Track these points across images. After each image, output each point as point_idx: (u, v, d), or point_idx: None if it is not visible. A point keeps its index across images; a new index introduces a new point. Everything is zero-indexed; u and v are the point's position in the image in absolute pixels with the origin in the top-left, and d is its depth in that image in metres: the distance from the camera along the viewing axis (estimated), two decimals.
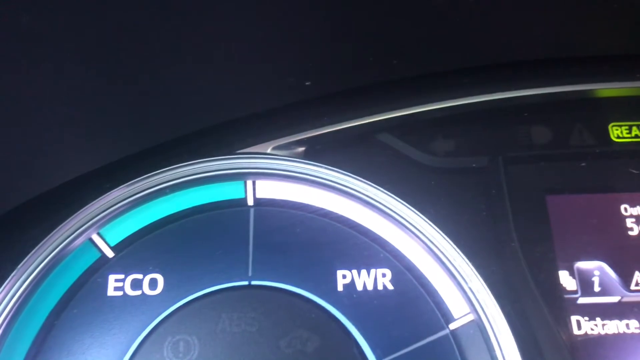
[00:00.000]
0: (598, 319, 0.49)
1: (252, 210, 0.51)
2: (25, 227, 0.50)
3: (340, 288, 0.48)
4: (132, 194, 0.50)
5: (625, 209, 0.53)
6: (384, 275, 0.48)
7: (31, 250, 0.48)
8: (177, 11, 0.45)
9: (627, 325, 0.49)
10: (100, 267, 0.48)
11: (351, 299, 0.47)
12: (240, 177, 0.52)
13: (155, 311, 0.47)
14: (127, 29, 0.45)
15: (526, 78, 0.56)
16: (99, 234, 0.49)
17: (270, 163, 0.52)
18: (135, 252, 0.49)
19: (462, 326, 0.47)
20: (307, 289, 0.48)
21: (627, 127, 0.56)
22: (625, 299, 0.50)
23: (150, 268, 0.48)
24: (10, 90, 0.45)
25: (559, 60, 0.57)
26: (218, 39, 0.48)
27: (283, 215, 0.50)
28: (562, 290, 0.50)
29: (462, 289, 0.47)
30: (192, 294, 0.47)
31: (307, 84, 0.53)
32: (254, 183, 0.52)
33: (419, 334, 0.46)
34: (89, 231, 0.49)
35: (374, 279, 0.48)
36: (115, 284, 0.48)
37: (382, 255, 0.49)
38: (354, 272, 0.48)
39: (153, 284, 0.48)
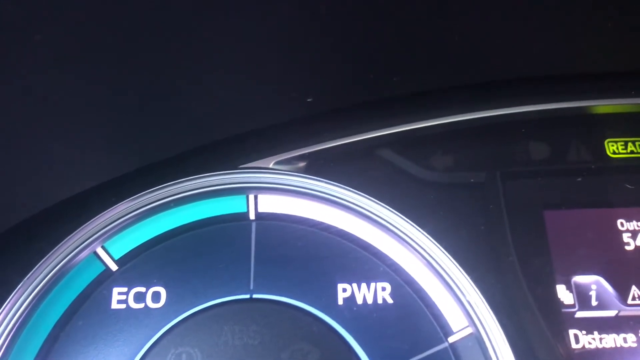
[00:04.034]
0: (596, 332, 0.50)
1: (253, 224, 0.51)
2: (32, 240, 0.51)
3: (340, 301, 0.48)
4: (136, 207, 0.51)
5: (622, 224, 0.53)
6: (383, 289, 0.49)
7: (37, 263, 0.48)
8: (183, 28, 0.45)
9: (625, 339, 0.49)
10: (104, 280, 0.49)
11: (351, 312, 0.48)
12: (243, 191, 0.52)
13: (158, 324, 0.47)
14: (132, 47, 0.45)
15: (524, 95, 0.57)
16: (103, 247, 0.50)
17: (272, 178, 0.52)
18: (138, 265, 0.49)
19: (461, 339, 0.47)
20: (308, 303, 0.48)
21: (622, 143, 0.57)
22: (622, 313, 0.50)
23: (154, 281, 0.49)
24: (18, 105, 0.46)
25: (556, 77, 0.58)
26: (222, 57, 0.49)
27: (284, 229, 0.51)
28: (560, 304, 0.50)
29: (460, 303, 0.48)
30: (195, 307, 0.48)
31: (308, 100, 0.54)
32: (255, 197, 0.52)
33: (418, 347, 0.47)
34: (93, 244, 0.50)
35: (374, 292, 0.49)
36: (118, 297, 0.48)
37: (381, 269, 0.50)
38: (354, 285, 0.49)
39: (156, 297, 0.48)
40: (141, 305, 0.48)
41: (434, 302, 0.49)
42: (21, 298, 0.47)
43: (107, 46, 0.45)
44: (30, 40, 0.42)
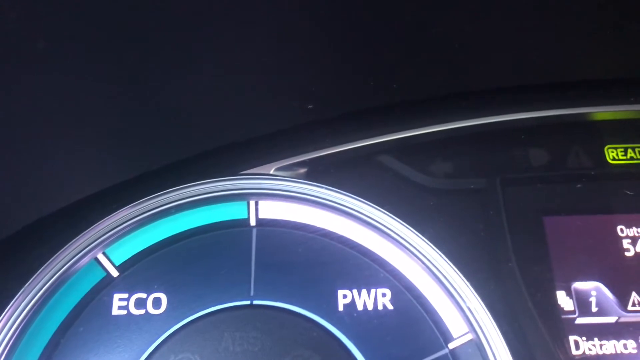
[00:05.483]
0: (596, 339, 0.50)
1: (254, 231, 0.51)
2: (33, 247, 0.51)
3: (340, 308, 0.48)
4: (137, 214, 0.51)
5: (622, 230, 0.53)
6: (383, 295, 0.49)
7: (38, 269, 0.48)
8: (184, 34, 0.46)
9: (625, 345, 0.49)
10: (105, 286, 0.49)
11: (352, 319, 0.48)
12: (244, 197, 0.52)
13: (159, 330, 0.47)
14: (132, 53, 0.46)
15: (524, 101, 0.57)
16: (104, 253, 0.50)
17: (272, 184, 0.53)
18: (139, 271, 0.50)
19: (461, 345, 0.47)
20: (308, 309, 0.48)
21: (622, 150, 0.57)
22: (622, 319, 0.50)
23: (155, 287, 0.49)
24: (18, 112, 0.46)
25: (556, 84, 0.58)
26: (223, 64, 0.49)
27: (285, 235, 0.51)
28: (560, 310, 0.50)
29: (460, 309, 0.48)
30: (195, 313, 0.48)
31: (309, 107, 0.54)
32: (256, 203, 0.52)
33: (418, 353, 0.47)
34: (94, 251, 0.50)
35: (374, 298, 0.49)
36: (119, 303, 0.48)
37: (382, 275, 0.50)
38: (355, 291, 0.49)
39: (157, 303, 0.48)
40: (142, 311, 0.48)
41: (434, 308, 0.49)
42: (22, 304, 0.47)
43: (108, 55, 0.45)
44: (33, 45, 0.42)
